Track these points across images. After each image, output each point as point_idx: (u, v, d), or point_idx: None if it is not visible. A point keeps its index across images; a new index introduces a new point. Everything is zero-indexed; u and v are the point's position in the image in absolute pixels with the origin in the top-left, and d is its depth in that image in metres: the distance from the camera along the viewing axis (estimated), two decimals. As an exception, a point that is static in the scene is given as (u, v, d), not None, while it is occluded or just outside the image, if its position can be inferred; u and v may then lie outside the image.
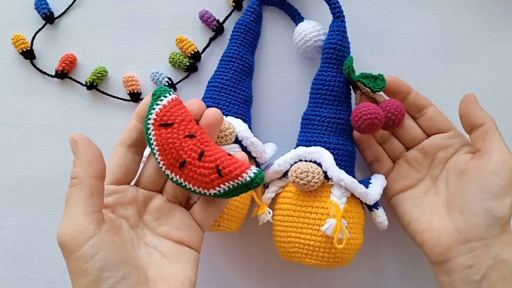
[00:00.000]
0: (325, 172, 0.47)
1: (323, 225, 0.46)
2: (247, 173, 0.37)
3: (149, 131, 0.39)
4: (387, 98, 0.50)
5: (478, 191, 0.45)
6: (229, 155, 0.38)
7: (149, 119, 0.39)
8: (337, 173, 0.46)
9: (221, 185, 0.38)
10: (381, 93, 0.50)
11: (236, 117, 0.49)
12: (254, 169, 0.38)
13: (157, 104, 0.39)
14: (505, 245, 0.44)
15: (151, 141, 0.39)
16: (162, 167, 0.39)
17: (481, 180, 0.45)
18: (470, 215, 0.45)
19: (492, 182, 0.44)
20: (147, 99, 0.40)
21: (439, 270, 0.47)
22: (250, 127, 0.51)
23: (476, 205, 0.44)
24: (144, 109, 0.40)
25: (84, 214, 0.35)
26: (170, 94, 0.39)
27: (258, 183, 0.37)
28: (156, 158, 0.39)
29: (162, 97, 0.39)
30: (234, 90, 0.51)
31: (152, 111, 0.39)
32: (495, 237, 0.44)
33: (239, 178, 0.37)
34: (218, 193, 0.38)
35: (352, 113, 0.48)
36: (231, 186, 0.38)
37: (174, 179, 0.39)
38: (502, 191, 0.44)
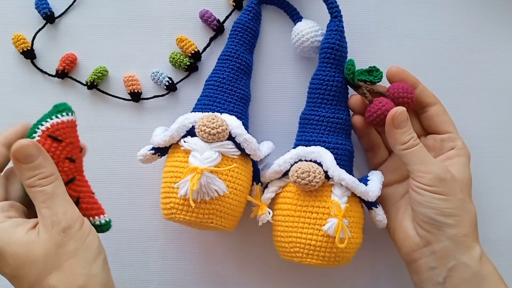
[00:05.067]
0: (325, 172, 0.47)
1: (324, 224, 0.46)
2: (99, 217, 0.41)
3: (33, 135, 0.39)
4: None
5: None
6: (93, 193, 0.42)
7: (42, 125, 0.39)
8: (338, 173, 0.47)
9: None
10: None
11: (231, 114, 0.49)
12: (107, 217, 0.42)
13: (57, 117, 0.40)
14: (464, 249, 0.45)
15: None
16: None
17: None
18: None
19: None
20: (15, 128, 0.41)
21: (410, 269, 0.49)
22: (247, 125, 0.51)
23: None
24: (12, 137, 0.40)
25: None
26: (72, 115, 0.40)
27: (103, 230, 0.41)
28: None
29: (65, 113, 0.40)
30: (231, 88, 0.51)
31: (48, 119, 0.39)
32: (454, 242, 0.45)
33: (90, 218, 0.40)
34: None
35: (366, 111, 0.49)
36: None
37: None
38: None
